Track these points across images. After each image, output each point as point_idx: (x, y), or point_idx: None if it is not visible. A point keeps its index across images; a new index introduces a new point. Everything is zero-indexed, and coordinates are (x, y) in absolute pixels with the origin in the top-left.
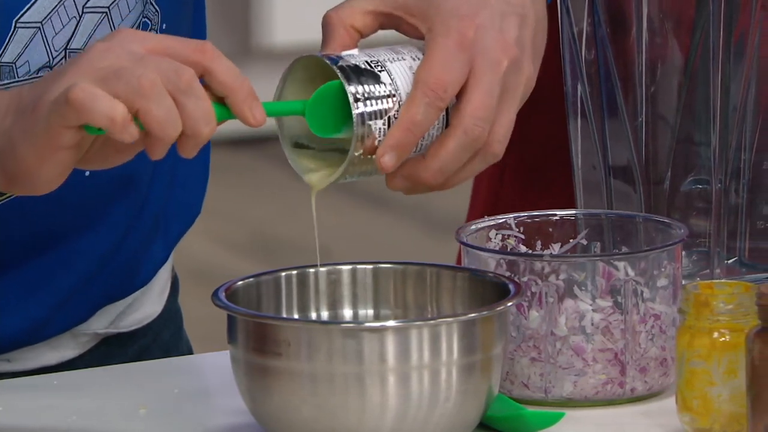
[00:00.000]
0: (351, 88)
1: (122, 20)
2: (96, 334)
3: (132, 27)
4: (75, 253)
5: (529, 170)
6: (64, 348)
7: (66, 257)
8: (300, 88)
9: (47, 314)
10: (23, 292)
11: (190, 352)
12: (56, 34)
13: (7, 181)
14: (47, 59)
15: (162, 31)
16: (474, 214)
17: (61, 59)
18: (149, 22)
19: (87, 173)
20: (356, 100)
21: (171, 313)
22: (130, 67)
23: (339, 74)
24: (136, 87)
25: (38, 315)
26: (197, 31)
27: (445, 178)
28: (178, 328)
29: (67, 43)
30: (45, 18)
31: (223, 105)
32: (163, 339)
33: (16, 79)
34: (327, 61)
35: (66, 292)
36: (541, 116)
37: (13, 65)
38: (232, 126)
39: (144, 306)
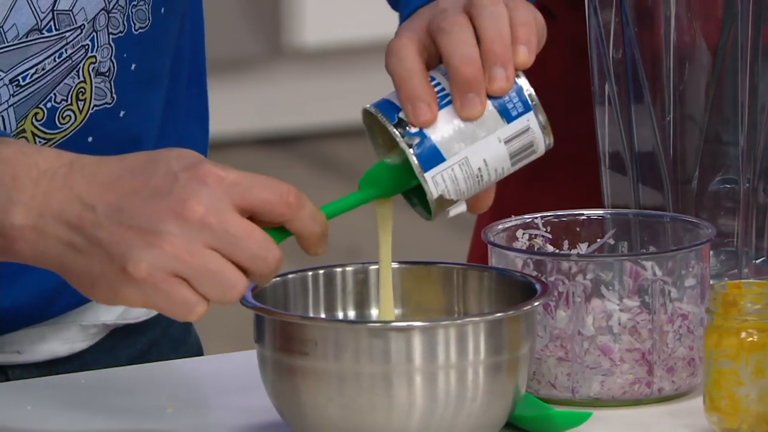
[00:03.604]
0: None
1: None
2: (105, 326)
3: None
4: None
5: (534, 168)
6: (73, 340)
7: None
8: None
9: (54, 288)
10: (27, 265)
11: (199, 347)
12: None
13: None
14: (35, 22)
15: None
16: (482, 214)
17: (49, 21)
18: None
19: (90, 139)
20: (435, 185)
21: None
22: (224, 267)
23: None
24: (230, 296)
25: (45, 288)
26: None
27: None
28: (187, 323)
29: (54, 5)
30: None
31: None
32: (172, 333)
33: (6, 43)
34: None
35: None
36: (548, 116)
37: (1, 29)
38: (259, 126)
39: None
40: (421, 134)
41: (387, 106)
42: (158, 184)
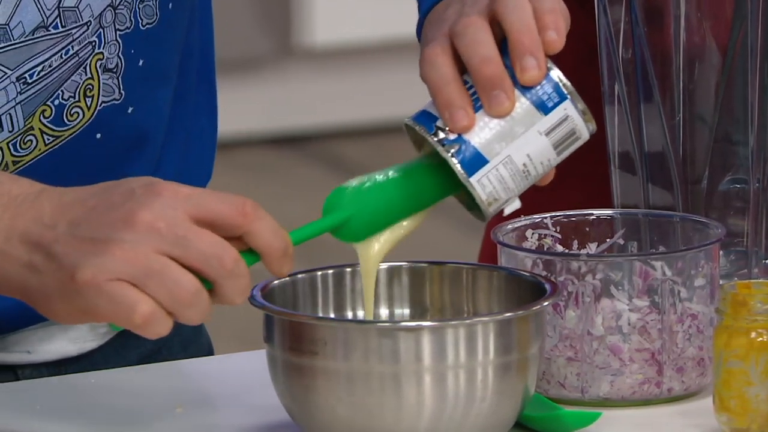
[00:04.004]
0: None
1: None
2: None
3: None
4: None
5: None
6: (83, 339)
7: None
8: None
9: None
10: None
11: (210, 347)
12: None
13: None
14: (41, 19)
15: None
16: None
17: (55, 18)
18: None
19: (98, 135)
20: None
21: None
22: (171, 267)
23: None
24: (176, 297)
25: None
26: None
27: None
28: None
29: (60, 1)
30: None
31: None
32: (183, 333)
33: (12, 41)
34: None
35: None
36: None
37: (7, 27)
38: (268, 125)
39: None
40: (460, 140)
41: (424, 118)
42: (115, 200)
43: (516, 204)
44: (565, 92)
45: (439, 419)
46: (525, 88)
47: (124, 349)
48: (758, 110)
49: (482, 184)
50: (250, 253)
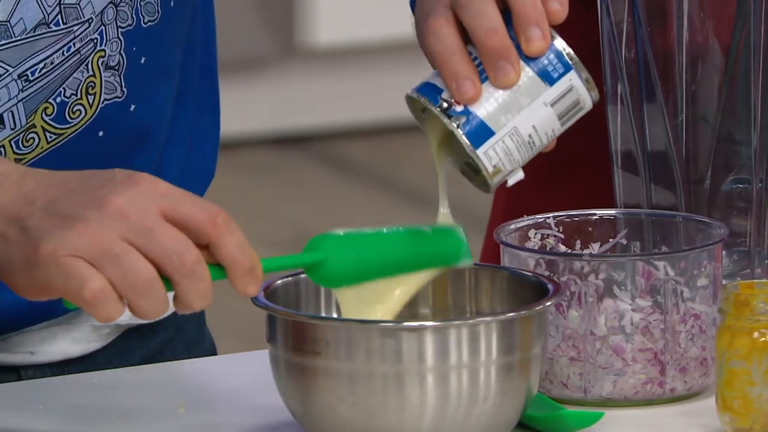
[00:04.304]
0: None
1: None
2: (117, 326)
3: None
4: None
5: (547, 168)
6: (86, 340)
7: None
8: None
9: None
10: None
11: (213, 347)
12: None
13: None
14: (42, 16)
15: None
16: (496, 213)
17: (56, 15)
18: None
19: (101, 133)
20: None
21: None
22: (132, 254)
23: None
24: (131, 282)
25: None
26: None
27: None
28: (200, 323)
29: None
30: None
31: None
32: (186, 334)
33: (13, 38)
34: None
35: None
36: None
37: (8, 24)
38: (272, 126)
39: None
40: (466, 112)
41: (429, 89)
42: (95, 183)
43: (519, 175)
44: (570, 62)
45: (442, 419)
46: (529, 59)
47: (128, 350)
48: (761, 110)
49: (488, 156)
50: (219, 268)
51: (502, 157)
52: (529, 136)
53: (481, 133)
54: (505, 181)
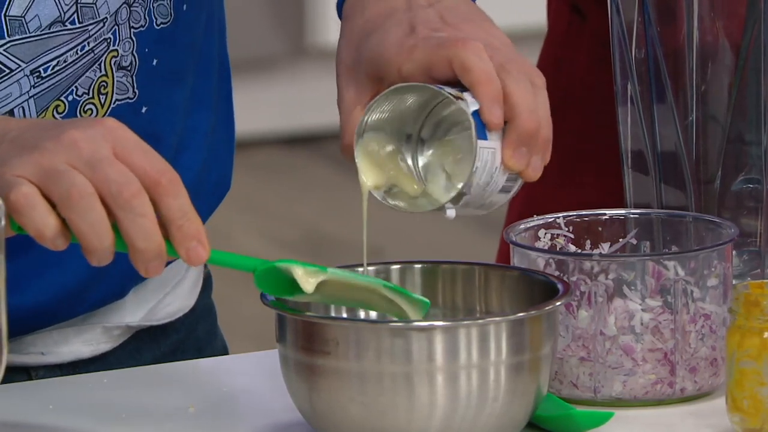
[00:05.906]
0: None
1: None
2: (128, 327)
3: None
4: None
5: (559, 169)
6: (97, 341)
7: None
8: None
9: (77, 287)
10: (54, 260)
11: (225, 349)
12: None
13: None
14: (58, 13)
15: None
16: (511, 214)
17: (73, 14)
18: None
19: None
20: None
21: (204, 309)
22: (72, 172)
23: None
24: (66, 195)
25: (68, 287)
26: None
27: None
28: (212, 324)
29: None
30: None
31: None
32: (197, 335)
33: (27, 34)
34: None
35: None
36: (573, 114)
37: (23, 20)
38: (283, 125)
39: (176, 300)
40: (476, 114)
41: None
42: (65, 123)
43: (452, 214)
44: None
45: (452, 419)
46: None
47: (138, 352)
48: None
49: (480, 154)
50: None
51: (483, 167)
52: (495, 168)
53: (482, 130)
54: (445, 210)
